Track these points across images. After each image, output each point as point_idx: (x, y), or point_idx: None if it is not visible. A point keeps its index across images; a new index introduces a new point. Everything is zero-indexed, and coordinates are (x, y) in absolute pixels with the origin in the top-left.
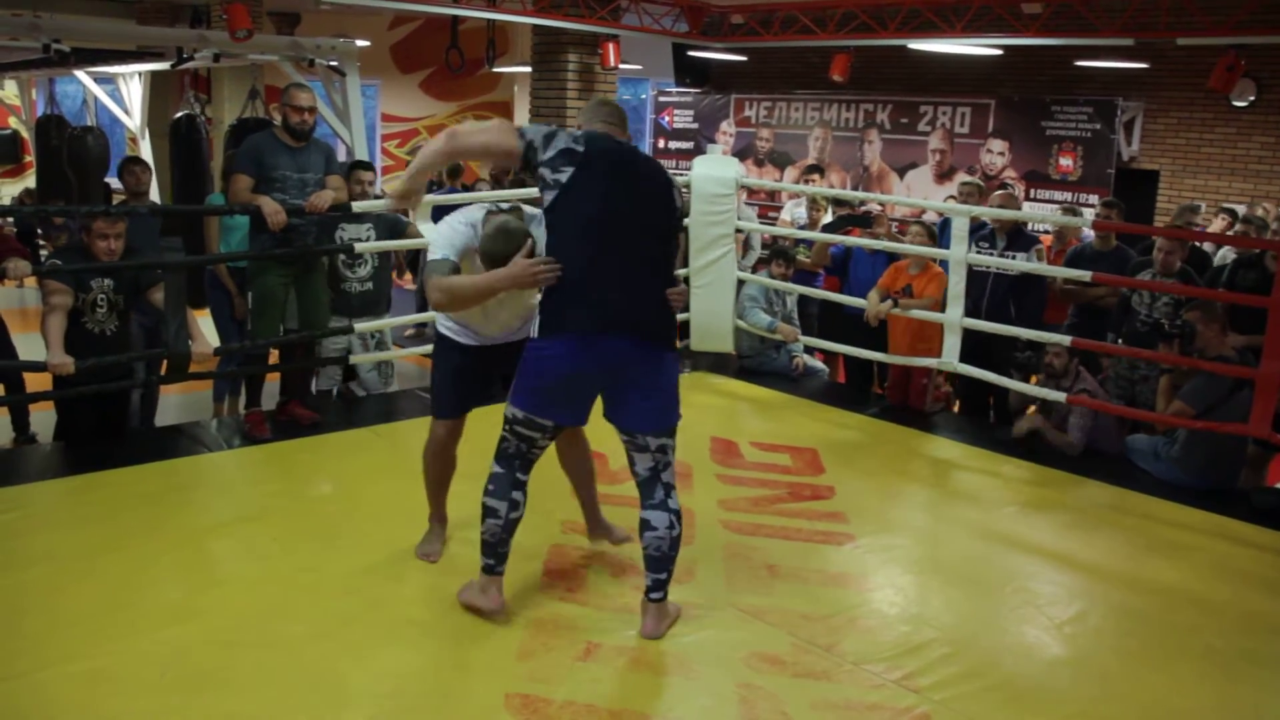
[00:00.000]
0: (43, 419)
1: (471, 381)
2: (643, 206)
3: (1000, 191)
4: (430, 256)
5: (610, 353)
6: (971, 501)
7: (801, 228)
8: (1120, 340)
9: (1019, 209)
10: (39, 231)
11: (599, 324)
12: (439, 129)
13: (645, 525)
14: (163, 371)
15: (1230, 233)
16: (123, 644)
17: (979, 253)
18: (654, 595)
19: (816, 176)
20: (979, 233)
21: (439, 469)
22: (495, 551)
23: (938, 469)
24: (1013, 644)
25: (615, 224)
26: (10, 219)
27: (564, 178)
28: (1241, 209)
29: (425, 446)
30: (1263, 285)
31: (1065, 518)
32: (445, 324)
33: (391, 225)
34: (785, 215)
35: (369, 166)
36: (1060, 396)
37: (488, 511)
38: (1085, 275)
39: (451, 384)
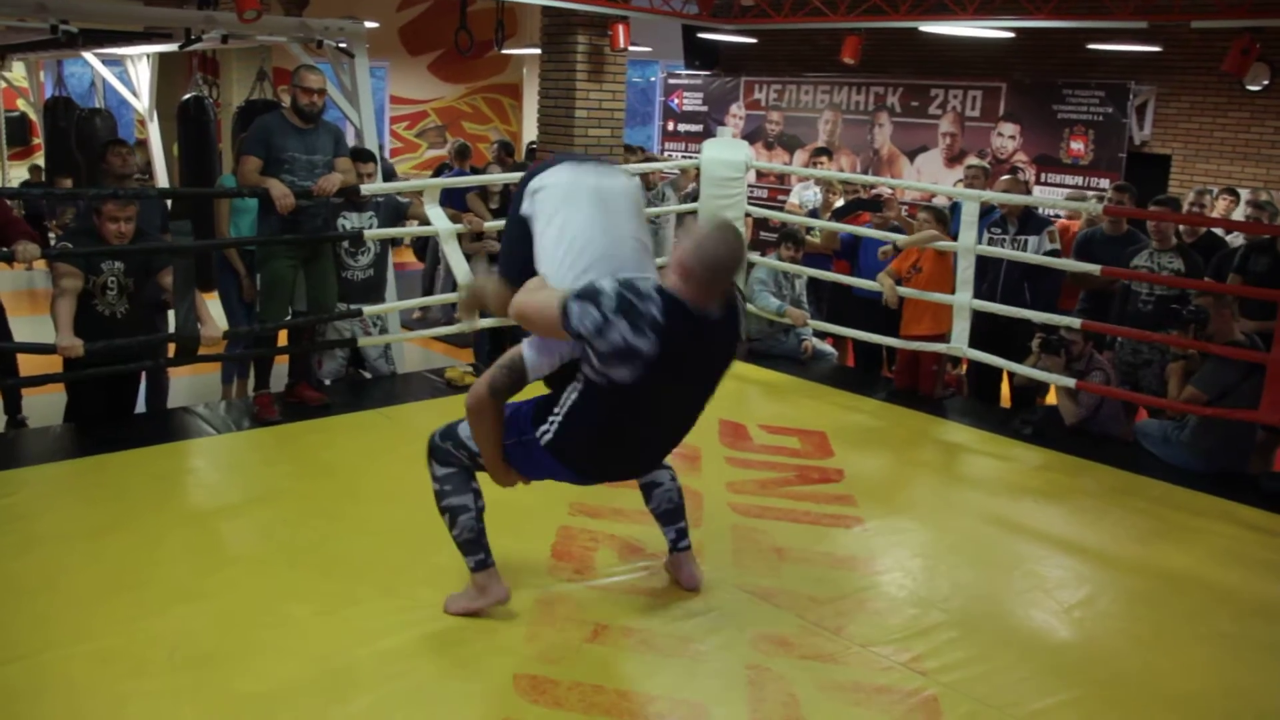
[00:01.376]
0: (52, 401)
1: None
2: (708, 375)
3: (1006, 176)
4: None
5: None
6: (980, 485)
7: (812, 210)
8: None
9: (1027, 192)
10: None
11: (624, 475)
12: (448, 111)
13: (652, 485)
14: (171, 354)
15: (1235, 214)
16: (131, 624)
17: (991, 238)
18: (682, 544)
19: (825, 159)
20: (990, 218)
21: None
22: (479, 545)
23: (947, 453)
24: (1021, 627)
25: (672, 405)
26: (19, 200)
27: (629, 374)
28: (1245, 193)
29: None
30: (1275, 270)
31: (1074, 502)
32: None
33: (395, 210)
34: (794, 199)
35: (370, 157)
36: (1070, 382)
37: (456, 510)
38: (1094, 269)
39: None
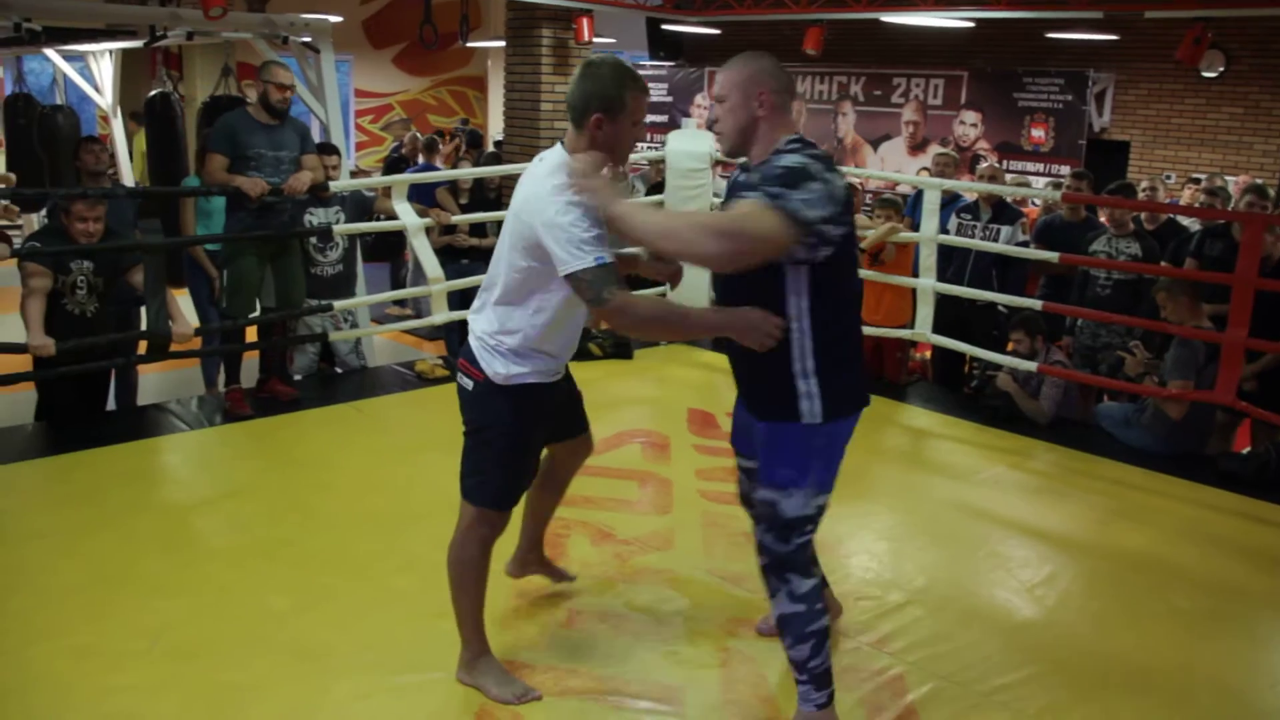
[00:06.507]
0: (21, 400)
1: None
2: None
3: (986, 165)
4: (580, 262)
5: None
6: (944, 468)
7: None
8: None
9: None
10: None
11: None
12: (413, 104)
13: None
14: (142, 352)
15: (1194, 203)
16: (110, 619)
17: (962, 224)
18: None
19: None
20: (957, 204)
21: (478, 580)
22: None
23: (911, 437)
24: (984, 606)
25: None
26: None
27: (839, 233)
28: (1203, 179)
29: (457, 548)
30: (1229, 254)
31: (1036, 483)
32: (512, 358)
33: (360, 205)
34: None
35: (334, 150)
36: (1032, 366)
37: (822, 637)
38: (1052, 256)
39: (523, 451)
